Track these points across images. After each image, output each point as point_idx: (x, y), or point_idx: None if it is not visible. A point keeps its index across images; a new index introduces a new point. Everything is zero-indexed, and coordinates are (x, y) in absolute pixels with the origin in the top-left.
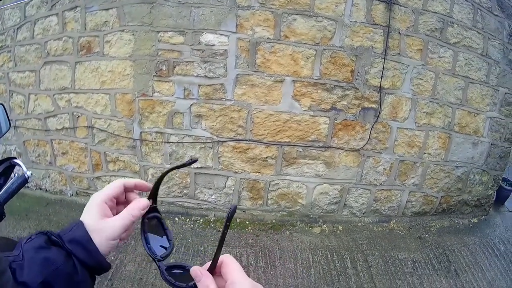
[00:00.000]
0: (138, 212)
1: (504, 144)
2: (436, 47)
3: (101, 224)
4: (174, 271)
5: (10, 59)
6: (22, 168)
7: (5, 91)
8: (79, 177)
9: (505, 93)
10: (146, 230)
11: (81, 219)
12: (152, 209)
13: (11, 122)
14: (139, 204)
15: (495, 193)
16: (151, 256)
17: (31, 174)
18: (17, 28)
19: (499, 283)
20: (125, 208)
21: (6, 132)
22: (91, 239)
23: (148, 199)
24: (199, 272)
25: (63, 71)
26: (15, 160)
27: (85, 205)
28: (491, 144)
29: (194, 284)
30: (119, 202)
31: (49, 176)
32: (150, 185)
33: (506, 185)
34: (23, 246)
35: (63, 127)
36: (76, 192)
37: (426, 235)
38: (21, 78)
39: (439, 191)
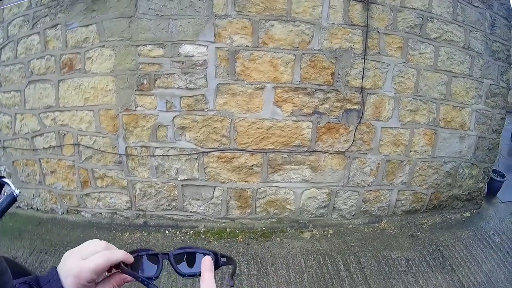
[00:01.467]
0: (120, 284)
1: (492, 136)
2: (416, 43)
3: None
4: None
5: None
6: (10, 187)
7: None
8: (68, 195)
9: (490, 85)
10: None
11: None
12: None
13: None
14: (119, 280)
15: (486, 186)
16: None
17: (20, 192)
18: (1, 49)
19: (496, 275)
20: (106, 283)
21: None
22: None
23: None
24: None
25: (47, 90)
26: (4, 179)
27: (76, 223)
28: (479, 137)
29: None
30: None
31: (39, 195)
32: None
33: (497, 177)
34: None
35: (50, 145)
36: (67, 210)
37: (419, 233)
38: (6, 98)
39: (429, 187)
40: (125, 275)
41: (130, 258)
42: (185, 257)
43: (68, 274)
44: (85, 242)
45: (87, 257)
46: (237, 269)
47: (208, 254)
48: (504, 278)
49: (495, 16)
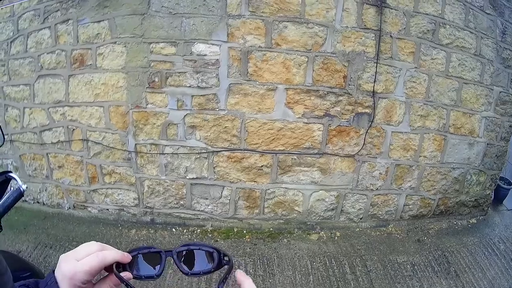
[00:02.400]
0: (118, 285)
1: (500, 143)
2: (428, 49)
3: None
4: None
5: (4, 73)
6: (17, 182)
7: (0, 105)
8: (76, 190)
9: (500, 92)
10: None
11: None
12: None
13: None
14: (115, 281)
15: (493, 193)
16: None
17: (27, 187)
18: (11, 42)
19: (500, 282)
20: (104, 283)
21: (1, 146)
22: None
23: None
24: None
25: (57, 85)
26: (11, 174)
27: (82, 218)
28: (487, 144)
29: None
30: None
31: (46, 190)
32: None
33: (504, 184)
34: None
35: (59, 140)
36: (74, 205)
37: (425, 238)
38: (15, 92)
39: (436, 193)
40: (121, 274)
41: (126, 258)
42: (189, 255)
43: (63, 276)
44: (81, 245)
45: (82, 259)
46: (231, 273)
47: (212, 252)
48: (507, 285)
49: (506, 23)
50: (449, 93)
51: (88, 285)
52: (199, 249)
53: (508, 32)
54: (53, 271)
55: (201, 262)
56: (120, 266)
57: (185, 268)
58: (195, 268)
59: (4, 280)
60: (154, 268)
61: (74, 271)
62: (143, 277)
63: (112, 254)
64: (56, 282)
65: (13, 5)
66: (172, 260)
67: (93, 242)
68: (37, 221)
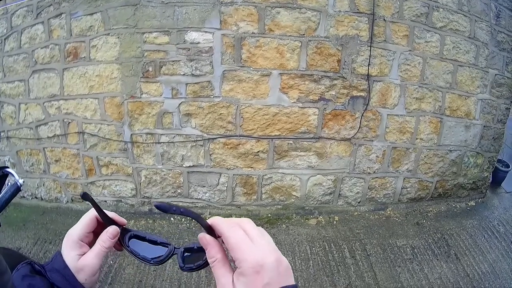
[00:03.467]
0: (109, 242)
1: (497, 125)
2: (422, 32)
3: (80, 265)
4: (186, 255)
5: None
6: (14, 177)
7: None
8: (73, 184)
9: (495, 75)
10: (132, 248)
11: (61, 250)
12: (125, 230)
13: (1, 133)
14: (108, 234)
15: (491, 175)
16: (147, 262)
17: (23, 182)
18: (4, 39)
19: (500, 265)
20: (97, 241)
21: None
22: (68, 268)
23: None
24: (204, 240)
25: (51, 79)
26: (7, 170)
27: (81, 211)
28: (484, 126)
29: (204, 261)
30: (97, 233)
31: (43, 185)
32: (123, 220)
33: (502, 167)
34: (13, 275)
35: (55, 134)
36: (72, 199)
37: (424, 221)
38: (10, 88)
39: (434, 175)
40: (109, 231)
41: (120, 219)
42: (191, 251)
43: (65, 242)
44: None
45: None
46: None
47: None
48: (508, 268)
49: (500, 7)
50: (444, 75)
51: (84, 245)
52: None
53: (502, 15)
54: (59, 251)
55: (196, 257)
56: (124, 234)
57: (181, 263)
58: (190, 263)
59: (4, 279)
60: (155, 254)
61: (73, 227)
62: (139, 256)
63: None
64: (61, 255)
65: (5, 1)
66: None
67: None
68: (36, 217)
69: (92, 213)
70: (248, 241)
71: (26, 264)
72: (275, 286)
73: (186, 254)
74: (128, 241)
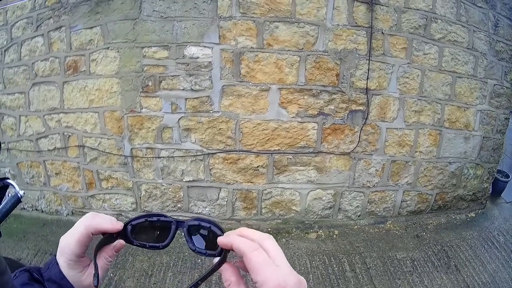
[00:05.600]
0: (114, 256)
1: (496, 136)
2: (420, 44)
3: (86, 283)
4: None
5: None
6: (15, 188)
7: None
8: (73, 197)
9: (494, 85)
10: (138, 242)
11: (60, 267)
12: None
13: (1, 145)
14: (114, 249)
15: (491, 186)
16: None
17: (24, 193)
18: (5, 50)
19: (501, 275)
20: (101, 256)
21: None
22: (65, 278)
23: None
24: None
25: (51, 92)
26: (8, 181)
27: None
28: (483, 137)
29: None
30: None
31: (44, 197)
32: (120, 225)
33: (502, 177)
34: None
35: (55, 147)
36: (72, 212)
37: (424, 233)
38: (11, 100)
39: (434, 188)
40: (112, 245)
41: (115, 227)
42: (199, 230)
43: (60, 253)
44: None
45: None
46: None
47: (221, 235)
48: (509, 278)
49: (499, 16)
50: (443, 87)
51: (84, 259)
52: (209, 227)
53: (501, 24)
54: (55, 256)
55: (208, 242)
56: (119, 233)
57: (192, 244)
58: (202, 247)
59: (4, 279)
60: (161, 238)
61: (64, 243)
62: (147, 246)
63: (100, 223)
64: (57, 263)
65: (6, 13)
66: (182, 232)
67: (87, 214)
68: (36, 229)
69: (87, 229)
70: (270, 263)
71: (24, 271)
72: None
73: (193, 233)
74: (132, 236)
